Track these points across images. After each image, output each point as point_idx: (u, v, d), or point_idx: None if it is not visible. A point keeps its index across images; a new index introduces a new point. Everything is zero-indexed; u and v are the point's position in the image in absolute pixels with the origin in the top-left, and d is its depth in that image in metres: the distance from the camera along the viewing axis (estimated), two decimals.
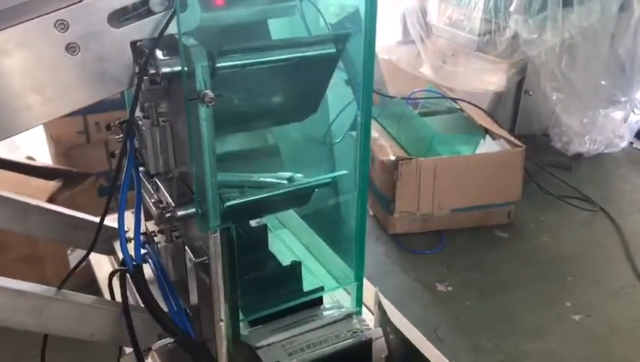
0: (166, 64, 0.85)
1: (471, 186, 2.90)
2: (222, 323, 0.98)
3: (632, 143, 3.89)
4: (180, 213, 0.94)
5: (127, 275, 1.00)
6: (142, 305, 1.00)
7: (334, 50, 0.95)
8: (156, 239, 1.11)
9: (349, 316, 1.13)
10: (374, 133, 3.07)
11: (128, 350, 1.08)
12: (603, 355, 2.24)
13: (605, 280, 2.66)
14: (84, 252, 1.11)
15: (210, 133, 0.84)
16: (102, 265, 1.39)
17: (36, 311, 0.94)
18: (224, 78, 0.86)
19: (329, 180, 1.00)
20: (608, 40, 3.30)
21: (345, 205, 1.09)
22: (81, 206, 1.51)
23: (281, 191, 0.98)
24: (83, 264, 1.12)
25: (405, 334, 1.11)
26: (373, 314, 1.19)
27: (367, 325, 1.12)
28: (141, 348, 1.02)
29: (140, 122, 0.96)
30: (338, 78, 1.02)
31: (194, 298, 1.05)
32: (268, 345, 1.05)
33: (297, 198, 1.03)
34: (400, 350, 1.12)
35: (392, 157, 2.83)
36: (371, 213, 3.12)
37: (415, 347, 1.11)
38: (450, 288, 2.60)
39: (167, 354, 1.03)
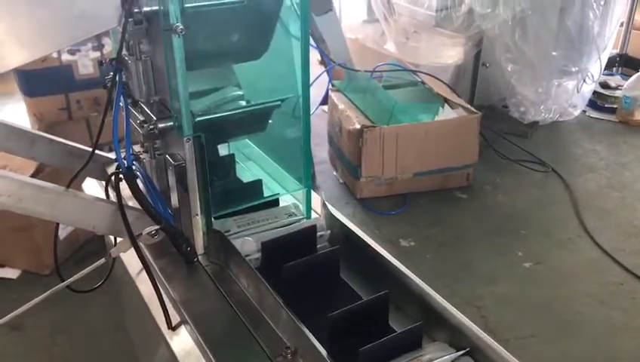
0: (146, 3, 1.07)
1: (431, 151, 3.11)
2: (197, 217, 1.19)
3: (584, 112, 4.14)
4: (160, 126, 1.14)
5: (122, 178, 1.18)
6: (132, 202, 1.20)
7: None
8: (142, 157, 1.31)
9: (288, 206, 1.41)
10: (342, 105, 3.27)
11: None
12: (547, 294, 2.47)
13: (554, 232, 2.90)
14: None
15: (182, 57, 1.05)
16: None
17: (51, 203, 1.13)
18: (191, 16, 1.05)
19: (279, 102, 1.21)
20: (557, 13, 3.51)
21: (293, 127, 1.29)
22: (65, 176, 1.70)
23: (240, 110, 1.18)
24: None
25: (345, 223, 1.35)
26: (319, 215, 1.41)
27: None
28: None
29: (126, 58, 1.15)
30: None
31: (174, 199, 1.25)
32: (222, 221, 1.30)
33: (255, 121, 1.23)
34: (341, 238, 1.35)
35: (358, 126, 3.03)
36: (341, 180, 3.33)
37: (353, 232, 1.34)
38: (412, 243, 2.81)
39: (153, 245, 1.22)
